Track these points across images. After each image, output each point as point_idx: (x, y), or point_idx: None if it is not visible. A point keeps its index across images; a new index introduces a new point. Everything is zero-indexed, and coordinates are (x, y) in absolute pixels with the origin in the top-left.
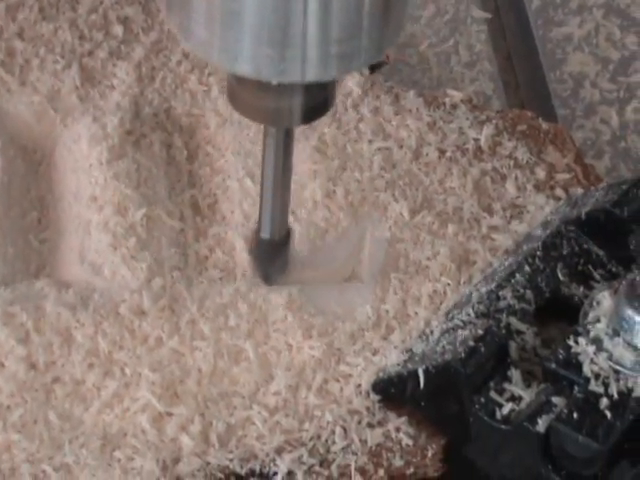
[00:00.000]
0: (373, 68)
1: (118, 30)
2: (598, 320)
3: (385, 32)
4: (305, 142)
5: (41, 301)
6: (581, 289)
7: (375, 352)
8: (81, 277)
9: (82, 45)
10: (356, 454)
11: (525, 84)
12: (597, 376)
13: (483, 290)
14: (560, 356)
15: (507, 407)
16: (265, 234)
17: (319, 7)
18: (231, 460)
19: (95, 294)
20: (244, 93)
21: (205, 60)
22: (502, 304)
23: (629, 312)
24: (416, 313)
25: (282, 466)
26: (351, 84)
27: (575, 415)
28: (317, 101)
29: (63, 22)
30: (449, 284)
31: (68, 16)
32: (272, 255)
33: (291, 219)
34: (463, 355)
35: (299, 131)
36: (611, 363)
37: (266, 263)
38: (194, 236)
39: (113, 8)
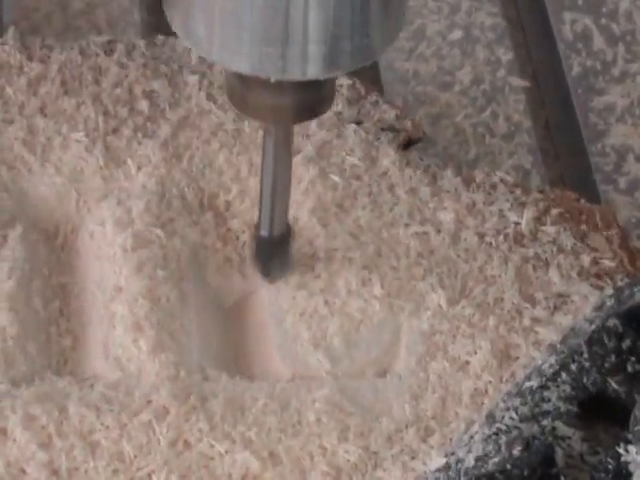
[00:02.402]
0: (408, 145)
1: (144, 105)
2: None
3: (385, 29)
4: (338, 226)
5: (63, 401)
6: (630, 389)
7: (414, 456)
8: (105, 373)
9: (106, 122)
10: None
11: (565, 157)
12: None
13: (526, 390)
14: (609, 466)
15: None
16: (265, 232)
17: (318, 5)
18: None
19: (120, 393)
20: (243, 91)
21: (204, 58)
22: (547, 406)
23: None
24: (457, 413)
25: None
26: (386, 163)
27: None
28: (317, 98)
29: (86, 97)
30: (491, 382)
31: (91, 90)
32: (272, 252)
33: (325, 311)
34: (508, 467)
35: (332, 214)
36: None
37: (266, 260)
38: (227, 328)
39: (138, 81)
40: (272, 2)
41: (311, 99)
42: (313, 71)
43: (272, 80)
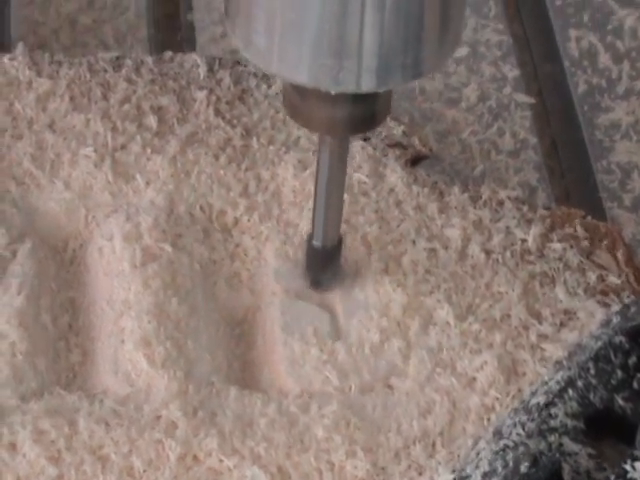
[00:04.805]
0: (415, 161)
1: (152, 121)
2: None
3: (438, 47)
4: (346, 243)
5: (73, 416)
6: (636, 405)
7: (421, 472)
8: (115, 388)
9: (115, 138)
10: None
11: (571, 174)
12: None
13: (533, 406)
14: None
15: None
16: (317, 242)
17: (375, 18)
18: None
19: (129, 409)
20: (300, 102)
21: (264, 70)
22: (554, 422)
23: None
24: (464, 429)
25: None
26: (394, 179)
27: None
28: (373, 111)
29: (95, 113)
30: (498, 398)
31: (100, 106)
32: (324, 263)
33: (333, 327)
34: None
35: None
36: None
37: (318, 271)
38: (235, 344)
39: (146, 97)
40: (330, 14)
41: (367, 111)
42: (367, 84)
43: (331, 92)
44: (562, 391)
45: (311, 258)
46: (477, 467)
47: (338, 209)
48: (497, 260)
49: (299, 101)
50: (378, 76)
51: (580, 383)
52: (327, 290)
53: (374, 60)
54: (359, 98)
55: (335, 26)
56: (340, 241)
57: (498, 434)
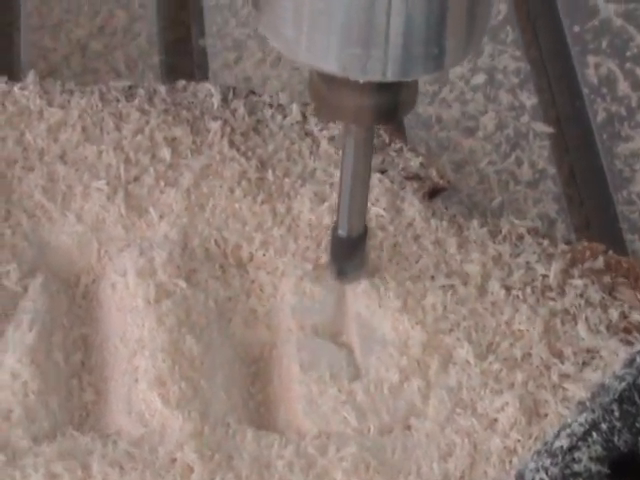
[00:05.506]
0: (433, 194)
1: (165, 153)
2: None
3: (469, 35)
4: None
5: (86, 459)
6: None
7: None
8: (128, 428)
9: (128, 170)
10: None
11: (591, 204)
12: None
13: (557, 449)
14: None
15: None
16: (342, 232)
17: (402, 7)
18: None
19: (144, 451)
20: (327, 91)
21: (292, 59)
22: (578, 467)
23: None
24: (485, 472)
25: None
26: (412, 213)
27: None
28: (398, 101)
29: (107, 144)
30: (519, 440)
31: (113, 137)
32: (348, 253)
33: (351, 366)
34: None
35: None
36: None
37: (342, 261)
38: (251, 382)
39: (160, 128)
40: (358, 3)
41: (392, 101)
42: (393, 73)
43: (360, 81)
44: (586, 434)
45: (336, 248)
46: None
47: (363, 199)
48: (517, 297)
49: (326, 91)
50: (402, 66)
51: (604, 426)
52: (350, 281)
53: (399, 49)
54: (385, 87)
55: (363, 15)
56: (365, 231)
57: (521, 478)
